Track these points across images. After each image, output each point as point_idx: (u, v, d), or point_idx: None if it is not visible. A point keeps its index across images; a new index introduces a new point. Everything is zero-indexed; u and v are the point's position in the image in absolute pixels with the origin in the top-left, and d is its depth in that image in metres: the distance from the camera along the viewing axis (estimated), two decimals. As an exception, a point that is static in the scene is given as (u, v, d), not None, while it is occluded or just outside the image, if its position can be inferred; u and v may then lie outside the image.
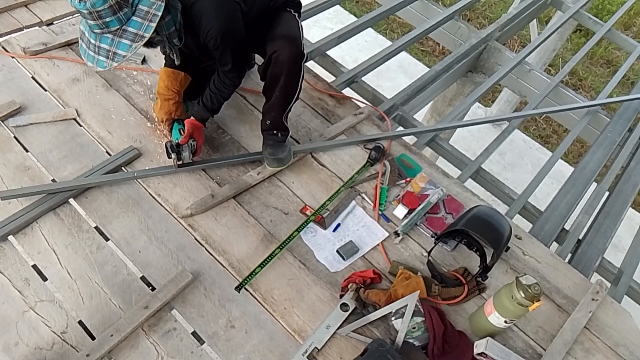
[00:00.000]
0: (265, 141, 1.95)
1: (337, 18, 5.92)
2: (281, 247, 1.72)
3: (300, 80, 1.83)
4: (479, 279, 1.78)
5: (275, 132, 1.89)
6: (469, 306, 1.73)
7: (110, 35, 1.49)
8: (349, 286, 1.64)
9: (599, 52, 6.55)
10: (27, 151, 1.82)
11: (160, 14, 1.52)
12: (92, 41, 1.51)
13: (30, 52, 2.10)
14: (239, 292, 1.61)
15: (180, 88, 1.92)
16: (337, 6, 3.35)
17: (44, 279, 1.53)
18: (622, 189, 2.56)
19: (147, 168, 1.85)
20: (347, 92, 2.50)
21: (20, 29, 2.23)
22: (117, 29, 1.48)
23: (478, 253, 1.85)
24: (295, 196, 1.90)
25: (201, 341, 1.50)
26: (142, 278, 1.60)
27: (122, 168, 1.83)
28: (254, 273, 1.65)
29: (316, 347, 1.51)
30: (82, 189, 1.73)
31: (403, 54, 5.00)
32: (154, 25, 1.51)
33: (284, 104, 1.84)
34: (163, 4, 1.52)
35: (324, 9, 2.97)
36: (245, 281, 1.63)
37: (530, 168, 5.29)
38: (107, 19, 1.44)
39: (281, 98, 1.82)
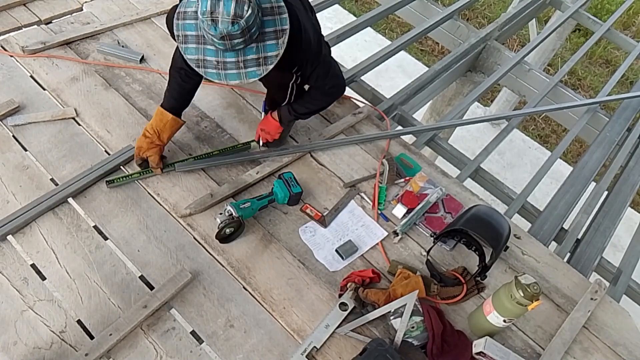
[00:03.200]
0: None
1: (336, 17, 5.92)
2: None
3: (289, 92, 1.87)
4: (478, 279, 1.78)
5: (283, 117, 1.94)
6: (468, 305, 1.73)
7: (253, 45, 1.48)
8: (348, 285, 1.64)
9: (598, 51, 6.55)
10: (25, 150, 1.82)
11: (282, 4, 1.53)
12: (230, 59, 1.48)
13: (29, 51, 2.09)
14: (107, 186, 1.70)
15: (167, 138, 1.80)
16: (337, 5, 3.35)
17: (43, 278, 1.53)
18: (621, 189, 2.56)
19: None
20: (347, 91, 2.49)
21: (19, 28, 2.22)
22: (258, 35, 1.48)
23: (477, 252, 1.85)
24: (294, 195, 1.90)
25: (200, 340, 1.50)
26: (141, 277, 1.60)
27: (121, 167, 1.83)
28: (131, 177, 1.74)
29: (315, 347, 1.52)
30: (82, 189, 1.73)
31: (402, 53, 5.00)
32: (285, 15, 1.52)
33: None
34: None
35: (323, 8, 2.97)
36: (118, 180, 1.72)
37: (529, 167, 5.30)
38: (253, 29, 1.44)
39: (271, 103, 1.95)
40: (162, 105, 1.78)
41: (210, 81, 1.60)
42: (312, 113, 1.96)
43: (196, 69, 1.52)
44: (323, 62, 1.80)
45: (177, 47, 1.72)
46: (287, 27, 1.53)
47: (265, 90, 2.03)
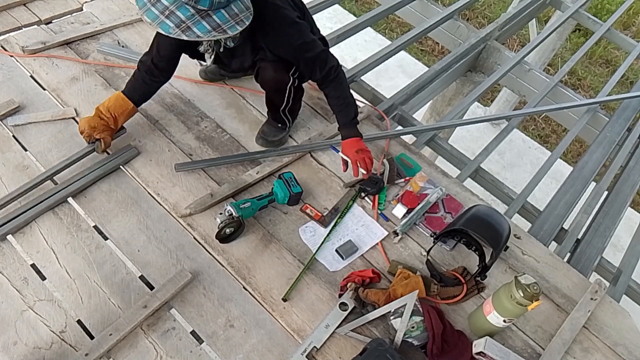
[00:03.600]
0: (267, 120, 2.05)
1: (336, 17, 5.92)
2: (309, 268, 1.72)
3: (287, 95, 1.89)
4: (478, 279, 1.78)
5: (274, 120, 2.00)
6: (467, 305, 1.73)
7: (192, 10, 1.46)
8: (348, 285, 1.64)
9: (598, 51, 6.55)
10: (25, 150, 1.82)
11: (247, 23, 1.54)
12: (165, 3, 1.45)
13: (29, 51, 2.09)
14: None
15: (121, 123, 1.82)
16: (336, 5, 3.35)
17: (43, 278, 1.53)
18: (621, 189, 2.56)
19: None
20: (347, 91, 2.50)
21: (19, 28, 2.22)
22: (204, 10, 1.46)
23: (477, 252, 1.85)
24: (294, 195, 1.90)
25: (200, 340, 1.50)
26: (141, 277, 1.60)
27: (121, 167, 1.83)
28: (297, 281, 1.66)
29: (315, 347, 1.51)
30: (81, 189, 1.73)
31: (402, 53, 5.00)
32: (238, 28, 1.53)
33: (274, 108, 1.95)
34: (251, 17, 1.55)
35: (323, 8, 2.97)
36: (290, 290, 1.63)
37: (529, 167, 5.30)
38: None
39: (269, 104, 1.96)
40: (124, 93, 1.81)
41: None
42: (348, 99, 1.90)
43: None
44: (318, 58, 1.79)
45: (151, 47, 1.77)
46: (229, 34, 1.51)
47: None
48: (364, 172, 1.88)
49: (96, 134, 1.76)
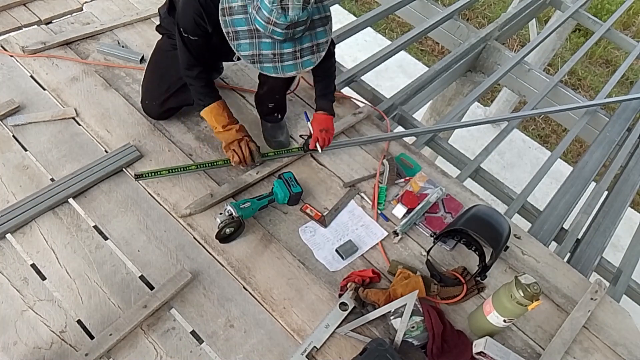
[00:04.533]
0: (264, 124, 2.02)
1: (336, 17, 5.85)
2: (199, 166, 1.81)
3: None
4: (478, 279, 1.78)
5: (276, 114, 1.97)
6: (468, 305, 1.73)
7: (307, 33, 1.49)
8: (348, 285, 1.64)
9: (598, 51, 6.55)
10: (25, 150, 1.82)
11: None
12: (288, 50, 1.49)
13: (29, 51, 2.09)
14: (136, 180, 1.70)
15: (229, 112, 1.85)
16: (337, 5, 3.35)
17: (43, 278, 1.53)
18: (621, 189, 2.56)
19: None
20: (347, 91, 2.50)
21: (19, 28, 2.22)
22: (309, 20, 1.48)
23: (477, 252, 1.85)
24: (294, 195, 1.90)
25: (200, 340, 1.50)
26: (141, 277, 1.60)
27: (124, 169, 1.83)
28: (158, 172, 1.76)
29: (315, 347, 1.51)
30: (82, 190, 1.73)
31: (402, 53, 5.00)
32: (326, 2, 1.54)
33: (283, 94, 1.94)
34: None
35: (323, 8, 2.96)
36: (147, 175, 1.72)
37: (529, 167, 5.30)
38: (305, 17, 1.45)
39: (284, 83, 1.91)
40: (207, 103, 1.78)
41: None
42: (334, 80, 1.94)
43: (251, 64, 1.51)
44: (332, 55, 1.84)
45: (187, 60, 1.71)
46: (330, 13, 1.54)
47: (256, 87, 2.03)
48: (319, 150, 1.92)
49: (243, 145, 1.81)
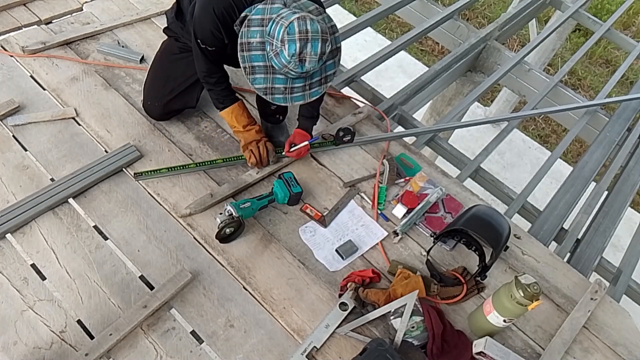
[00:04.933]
0: (264, 124, 2.04)
1: (336, 17, 5.86)
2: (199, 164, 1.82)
3: None
4: (478, 279, 1.78)
5: (277, 115, 2.00)
6: (468, 305, 1.73)
7: (318, 69, 1.54)
8: (348, 285, 1.64)
9: (598, 51, 6.55)
10: (25, 150, 1.82)
11: (334, 22, 1.59)
12: (298, 84, 1.55)
13: (29, 51, 2.09)
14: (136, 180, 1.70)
15: (248, 113, 1.90)
16: (337, 5, 3.35)
17: (43, 278, 1.53)
18: (620, 189, 2.56)
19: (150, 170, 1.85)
20: (347, 91, 2.50)
21: (19, 28, 2.22)
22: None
23: (477, 252, 1.85)
24: (294, 195, 1.90)
25: (200, 340, 1.50)
26: (141, 277, 1.60)
27: (124, 169, 1.83)
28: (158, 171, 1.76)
29: (315, 347, 1.51)
30: (82, 190, 1.73)
31: (402, 53, 5.00)
32: (338, 34, 1.59)
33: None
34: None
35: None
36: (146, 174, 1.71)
37: (529, 167, 5.30)
38: (320, 65, 1.52)
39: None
40: (227, 105, 1.83)
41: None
42: (320, 104, 1.98)
43: (263, 96, 1.58)
44: None
45: (204, 66, 1.75)
46: (341, 45, 1.60)
47: None
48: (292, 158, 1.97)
49: (264, 143, 1.88)
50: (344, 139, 2.00)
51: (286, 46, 1.43)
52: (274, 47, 1.47)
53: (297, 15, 1.43)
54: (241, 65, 1.54)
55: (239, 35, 1.53)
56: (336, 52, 1.59)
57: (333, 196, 1.93)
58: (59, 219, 1.66)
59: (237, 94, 1.86)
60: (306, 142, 1.90)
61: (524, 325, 1.73)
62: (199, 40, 1.66)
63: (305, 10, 1.51)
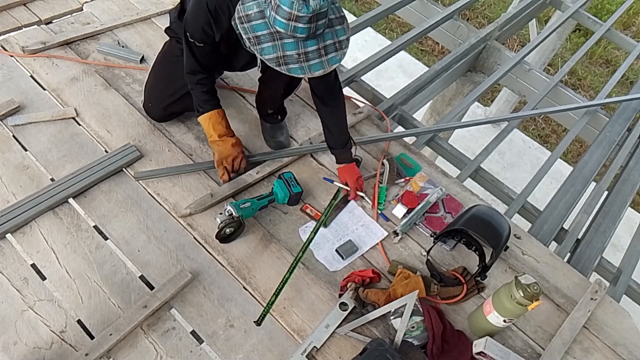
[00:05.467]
0: (264, 124, 2.02)
1: (336, 17, 5.90)
2: (297, 261, 1.67)
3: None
4: (478, 279, 1.78)
5: (276, 115, 1.98)
6: (468, 305, 1.73)
7: (328, 30, 1.48)
8: (348, 285, 1.64)
9: (598, 51, 6.55)
10: (25, 150, 1.82)
11: None
12: (312, 48, 1.46)
13: (29, 51, 2.09)
14: (259, 325, 1.50)
15: (226, 123, 1.84)
16: (337, 5, 3.34)
17: (43, 278, 1.53)
18: (621, 189, 2.56)
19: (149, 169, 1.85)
20: (347, 91, 2.49)
21: (19, 28, 2.22)
22: (328, 16, 1.47)
23: (477, 252, 1.85)
24: (294, 195, 1.90)
25: (200, 340, 1.50)
26: (141, 277, 1.60)
27: (124, 169, 1.83)
28: (275, 295, 1.57)
29: (315, 347, 1.51)
30: (83, 189, 1.73)
31: (402, 53, 5.00)
32: (338, 4, 1.53)
33: (288, 92, 1.92)
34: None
35: (323, 8, 2.96)
36: (267, 309, 1.53)
37: (529, 167, 5.30)
38: (326, 8, 1.42)
39: (286, 88, 1.90)
40: (206, 110, 1.77)
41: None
42: (345, 127, 1.93)
43: (277, 67, 1.48)
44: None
45: (188, 56, 1.70)
46: (344, 13, 1.53)
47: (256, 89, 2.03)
48: (362, 194, 1.93)
49: (239, 161, 1.83)
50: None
51: None
52: (272, 4, 1.41)
53: None
54: (244, 37, 1.47)
55: (236, 12, 1.47)
56: (342, 19, 1.53)
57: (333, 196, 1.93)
58: (59, 219, 1.66)
59: (220, 102, 1.81)
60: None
61: (524, 325, 1.73)
62: (188, 34, 1.63)
63: None
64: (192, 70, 1.72)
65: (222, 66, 1.94)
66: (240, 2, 1.47)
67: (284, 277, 1.61)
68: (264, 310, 1.52)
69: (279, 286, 1.58)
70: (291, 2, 1.36)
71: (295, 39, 1.44)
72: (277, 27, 1.43)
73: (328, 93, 1.81)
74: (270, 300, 1.55)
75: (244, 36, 1.47)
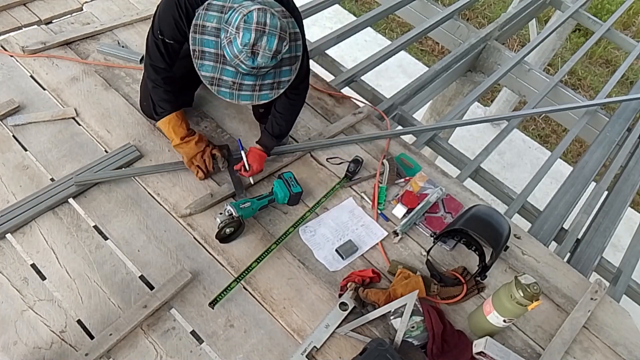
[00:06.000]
0: (261, 126, 2.01)
1: (336, 17, 5.92)
2: (277, 243, 1.71)
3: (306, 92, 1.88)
4: (478, 278, 1.78)
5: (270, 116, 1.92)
6: (468, 305, 1.73)
7: (272, 70, 1.48)
8: (348, 285, 1.64)
9: (598, 51, 6.56)
10: (25, 150, 1.82)
11: (298, 30, 1.52)
12: (248, 82, 1.47)
13: (29, 51, 2.09)
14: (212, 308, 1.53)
15: (187, 124, 1.81)
16: (337, 5, 3.36)
17: (43, 278, 1.53)
18: (621, 189, 2.56)
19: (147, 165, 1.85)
20: (347, 91, 2.50)
21: (19, 28, 2.22)
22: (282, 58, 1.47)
23: (477, 252, 1.85)
24: (294, 195, 1.90)
25: (200, 340, 1.50)
26: (141, 277, 1.60)
27: (124, 169, 1.83)
28: (250, 268, 1.63)
29: (315, 347, 1.51)
30: (82, 190, 1.73)
31: (402, 53, 5.01)
32: (300, 42, 1.52)
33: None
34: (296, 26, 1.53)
35: (323, 8, 2.97)
36: (241, 277, 1.60)
37: (529, 167, 5.30)
38: (272, 65, 1.44)
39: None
40: (164, 114, 1.74)
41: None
42: (292, 124, 1.92)
43: (209, 86, 1.50)
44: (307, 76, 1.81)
45: (154, 52, 1.65)
46: (301, 54, 1.54)
47: None
48: (249, 180, 1.87)
49: (211, 153, 1.79)
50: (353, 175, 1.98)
51: (240, 34, 1.37)
52: (228, 35, 1.40)
53: (258, 7, 1.38)
54: (191, 47, 1.46)
55: (195, 17, 1.45)
56: (295, 59, 1.52)
57: (333, 196, 1.93)
58: (59, 219, 1.66)
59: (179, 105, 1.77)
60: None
61: (524, 325, 1.73)
62: (158, 31, 1.60)
63: (270, 8, 1.43)
64: (155, 68, 1.68)
65: (185, 70, 1.80)
66: (203, 7, 1.45)
67: (261, 254, 1.66)
68: (230, 284, 1.57)
69: (252, 263, 1.64)
70: (240, 50, 1.38)
71: (236, 71, 1.46)
72: (224, 53, 1.44)
73: (293, 88, 1.77)
74: (240, 275, 1.61)
75: (190, 46, 1.47)
